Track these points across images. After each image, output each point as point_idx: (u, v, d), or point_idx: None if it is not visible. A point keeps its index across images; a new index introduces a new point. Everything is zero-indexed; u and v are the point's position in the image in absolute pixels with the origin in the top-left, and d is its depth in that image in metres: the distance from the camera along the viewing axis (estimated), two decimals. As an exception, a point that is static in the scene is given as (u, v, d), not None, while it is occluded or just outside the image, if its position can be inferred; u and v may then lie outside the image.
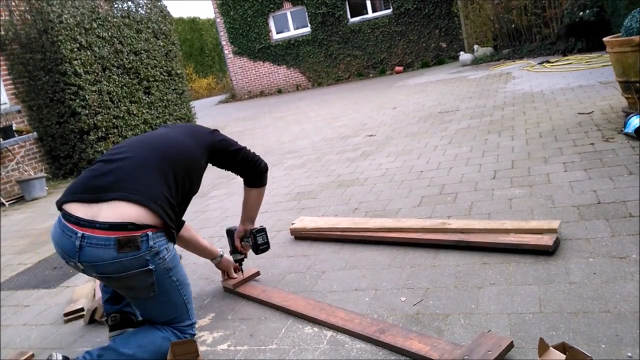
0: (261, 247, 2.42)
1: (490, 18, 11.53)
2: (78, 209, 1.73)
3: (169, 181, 1.87)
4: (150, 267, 1.74)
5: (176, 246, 1.97)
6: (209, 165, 2.24)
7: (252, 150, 2.35)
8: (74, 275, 3.33)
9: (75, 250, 1.70)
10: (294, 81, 15.88)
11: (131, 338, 1.90)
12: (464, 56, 11.52)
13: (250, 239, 2.41)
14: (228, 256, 2.51)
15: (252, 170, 2.31)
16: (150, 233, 1.72)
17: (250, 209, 2.41)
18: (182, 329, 1.96)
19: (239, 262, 2.50)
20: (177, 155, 1.97)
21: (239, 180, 2.48)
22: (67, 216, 1.74)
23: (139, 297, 1.87)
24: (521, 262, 2.15)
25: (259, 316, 2.20)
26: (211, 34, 24.39)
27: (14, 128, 7.18)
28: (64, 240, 1.73)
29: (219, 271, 2.57)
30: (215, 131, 2.34)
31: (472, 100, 6.71)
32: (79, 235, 1.68)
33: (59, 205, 1.80)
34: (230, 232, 2.52)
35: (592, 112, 4.54)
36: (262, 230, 2.42)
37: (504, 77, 8.24)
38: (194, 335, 2.02)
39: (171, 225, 1.81)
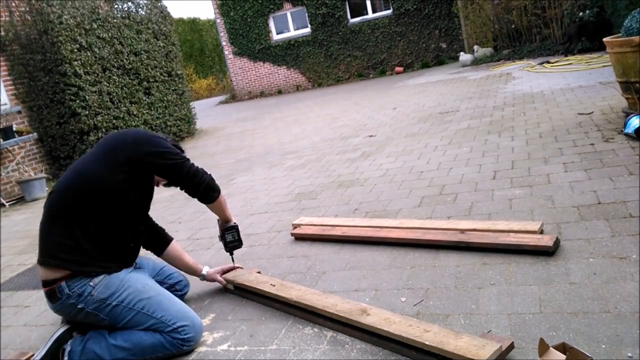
0: (229, 244, 2.44)
1: (490, 18, 11.53)
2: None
3: (64, 225, 1.97)
4: (80, 306, 1.96)
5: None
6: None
7: (194, 166, 2.25)
8: (74, 276, 3.33)
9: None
10: (294, 82, 15.88)
11: (118, 333, 2.02)
12: (464, 57, 11.52)
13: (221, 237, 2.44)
14: (212, 269, 2.53)
15: (191, 190, 2.23)
16: (62, 283, 1.95)
17: (216, 214, 2.39)
18: (167, 335, 1.98)
19: (230, 248, 2.48)
20: (70, 193, 2.01)
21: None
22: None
23: (104, 325, 2.03)
24: (521, 263, 2.15)
25: (259, 316, 2.20)
26: (211, 34, 24.40)
27: (14, 129, 7.18)
28: None
29: None
30: (151, 142, 2.10)
31: (472, 101, 6.71)
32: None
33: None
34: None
35: (592, 112, 4.54)
36: (232, 228, 2.42)
37: (504, 78, 8.24)
38: (187, 339, 1.99)
39: (82, 267, 1.96)
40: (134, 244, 2.21)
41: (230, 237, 2.43)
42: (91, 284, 1.95)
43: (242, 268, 2.56)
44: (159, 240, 2.44)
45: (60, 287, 1.95)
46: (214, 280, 2.50)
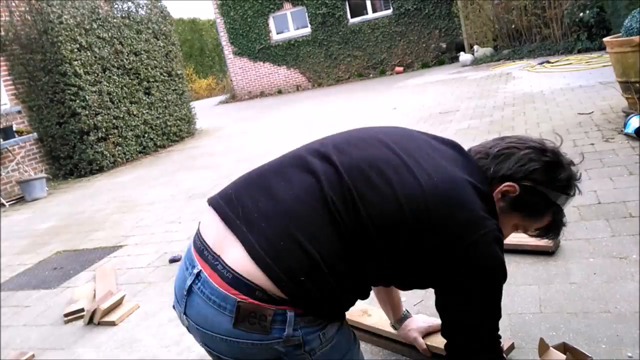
0: None
1: (490, 18, 11.53)
2: (210, 228, 1.13)
3: (339, 240, 1.06)
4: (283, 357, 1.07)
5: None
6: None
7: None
8: (74, 276, 3.33)
9: (184, 292, 1.10)
10: (294, 82, 15.88)
11: None
12: (464, 56, 11.51)
13: None
14: (413, 321, 1.70)
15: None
16: (291, 313, 1.03)
17: None
18: None
19: None
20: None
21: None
22: (196, 238, 1.15)
23: None
24: (521, 263, 2.15)
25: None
26: (211, 34, 24.38)
27: (14, 128, 7.18)
28: (179, 277, 1.14)
29: None
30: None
31: (472, 101, 6.70)
32: (195, 271, 1.08)
33: (207, 203, 1.21)
34: None
35: (592, 112, 4.54)
36: None
37: (504, 78, 8.24)
38: None
39: (322, 310, 1.08)
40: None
41: None
42: (323, 333, 1.08)
43: None
44: None
45: (283, 315, 1.03)
46: (408, 339, 1.69)
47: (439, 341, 1.60)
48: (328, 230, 1.05)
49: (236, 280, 1.01)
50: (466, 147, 1.36)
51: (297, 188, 1.10)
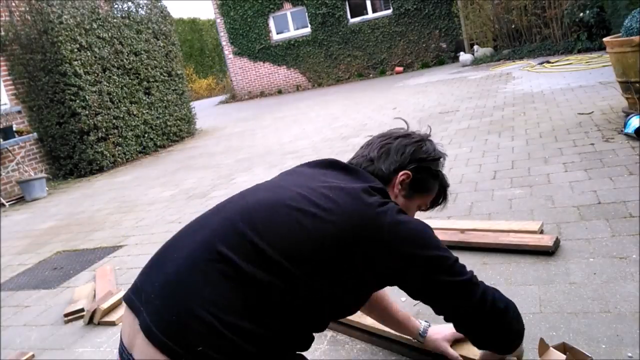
0: None
1: (490, 18, 11.53)
2: (126, 324, 1.10)
3: (232, 292, 1.01)
4: None
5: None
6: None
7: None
8: (75, 276, 3.33)
9: None
10: (294, 82, 15.88)
11: None
12: (464, 56, 11.52)
13: None
14: (436, 330, 1.63)
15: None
16: None
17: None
18: None
19: None
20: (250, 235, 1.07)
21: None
22: (120, 336, 1.13)
23: None
24: (521, 263, 2.15)
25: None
26: (211, 34, 24.38)
27: (14, 129, 7.18)
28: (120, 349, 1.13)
29: None
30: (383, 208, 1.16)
31: (472, 101, 6.71)
32: None
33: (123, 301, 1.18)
34: None
35: (592, 112, 4.54)
36: None
37: (504, 78, 8.24)
38: None
39: None
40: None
41: None
42: None
43: None
44: None
45: None
46: (438, 350, 1.59)
47: (469, 350, 1.55)
48: (223, 288, 1.00)
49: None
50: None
51: (187, 254, 1.07)
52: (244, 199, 1.19)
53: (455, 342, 1.59)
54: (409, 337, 1.65)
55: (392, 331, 1.73)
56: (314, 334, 1.17)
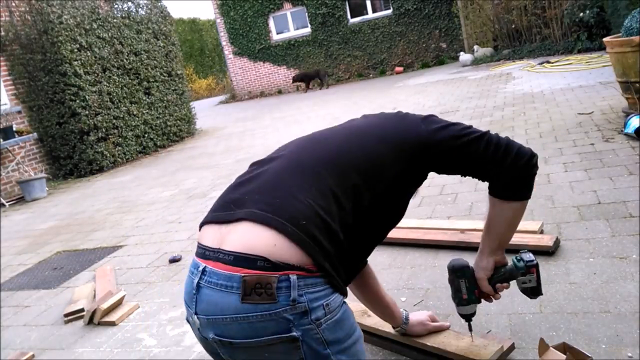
0: (539, 288, 1.51)
1: (490, 18, 11.53)
2: (208, 234, 1.16)
3: (330, 193, 1.15)
4: (294, 334, 1.04)
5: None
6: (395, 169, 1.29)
7: (503, 137, 1.43)
8: (75, 276, 3.33)
9: (193, 293, 1.09)
10: (294, 82, 15.87)
11: None
12: (464, 56, 11.51)
13: (524, 275, 1.49)
14: (414, 316, 1.72)
15: (498, 172, 1.38)
16: (293, 277, 1.03)
17: (503, 229, 1.49)
18: None
19: (471, 317, 1.56)
20: (349, 155, 1.23)
21: None
22: (197, 248, 1.18)
23: None
24: (521, 263, 2.15)
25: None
26: (211, 34, 24.38)
27: (14, 129, 7.19)
28: (187, 283, 1.15)
29: None
30: (430, 118, 1.37)
31: (472, 101, 6.71)
32: (200, 269, 1.09)
33: (200, 228, 1.23)
34: (463, 269, 1.55)
35: (592, 112, 4.54)
36: (534, 263, 1.51)
37: (504, 78, 8.24)
38: None
39: (329, 266, 1.09)
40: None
41: (534, 280, 1.51)
42: (326, 304, 1.07)
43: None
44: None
45: (287, 281, 1.03)
46: (423, 331, 1.69)
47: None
48: (321, 188, 1.15)
49: (237, 259, 1.04)
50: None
51: (275, 166, 1.23)
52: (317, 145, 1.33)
53: (433, 334, 1.68)
54: (394, 322, 1.70)
55: (392, 331, 1.73)
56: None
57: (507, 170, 1.36)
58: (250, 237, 1.06)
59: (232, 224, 1.11)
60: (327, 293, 1.08)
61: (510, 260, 1.50)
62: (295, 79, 14.44)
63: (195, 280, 1.09)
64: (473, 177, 1.39)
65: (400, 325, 1.68)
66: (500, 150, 1.36)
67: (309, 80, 14.41)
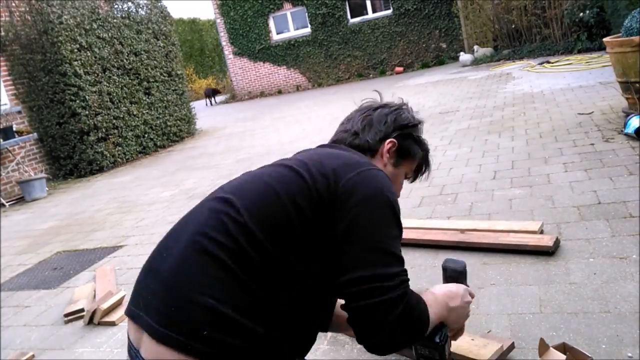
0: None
1: (490, 18, 11.53)
2: (131, 327, 1.09)
3: (236, 279, 0.99)
4: None
5: None
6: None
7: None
8: (74, 276, 3.33)
9: None
10: (294, 82, 15.88)
11: None
12: (464, 57, 11.51)
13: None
14: None
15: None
16: None
17: None
18: None
19: None
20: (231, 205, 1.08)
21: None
22: (129, 335, 1.11)
23: None
24: (521, 263, 2.15)
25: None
26: (211, 34, 24.38)
27: (14, 129, 7.19)
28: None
29: None
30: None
31: (472, 101, 6.71)
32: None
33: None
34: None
35: (592, 112, 4.54)
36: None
37: (504, 78, 8.24)
38: None
39: (243, 353, 0.98)
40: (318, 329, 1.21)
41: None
42: None
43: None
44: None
45: None
46: None
47: None
48: (219, 273, 0.99)
49: None
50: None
51: (176, 252, 1.06)
52: (220, 188, 1.20)
53: None
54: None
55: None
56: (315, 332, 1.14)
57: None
58: (155, 350, 0.98)
59: (141, 328, 1.03)
60: None
61: None
62: (205, 93, 18.62)
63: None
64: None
65: None
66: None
67: (213, 94, 18.28)
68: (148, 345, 0.99)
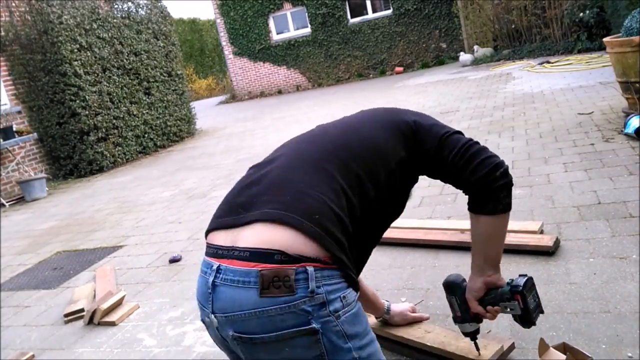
0: (534, 314, 1.37)
1: (490, 18, 11.53)
2: (219, 237, 1.15)
3: (337, 186, 1.15)
4: (314, 325, 1.02)
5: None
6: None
7: (475, 145, 1.31)
8: (75, 276, 3.33)
9: (208, 292, 1.08)
10: (294, 82, 15.88)
11: None
12: (464, 57, 11.51)
13: (509, 300, 1.37)
14: (396, 307, 1.81)
15: (469, 184, 1.29)
16: (310, 268, 1.03)
17: (483, 246, 1.42)
18: None
19: (473, 335, 1.52)
20: (347, 147, 1.25)
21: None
22: (207, 248, 1.17)
23: None
24: (521, 263, 2.15)
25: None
26: (211, 34, 24.39)
27: (14, 129, 7.19)
28: (200, 283, 1.14)
29: None
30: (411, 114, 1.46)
31: (472, 101, 6.71)
32: (214, 268, 1.08)
33: (206, 236, 1.22)
34: (453, 287, 1.51)
35: (592, 112, 4.54)
36: (531, 284, 1.38)
37: (504, 78, 8.24)
38: None
39: (344, 258, 1.09)
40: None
41: (533, 302, 1.38)
42: (343, 296, 1.08)
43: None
44: None
45: (304, 272, 1.02)
46: (404, 321, 1.79)
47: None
48: (325, 180, 1.15)
49: (253, 254, 1.04)
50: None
51: (277, 166, 1.22)
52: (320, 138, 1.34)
53: (414, 323, 1.78)
54: (377, 313, 1.80)
55: (393, 331, 1.73)
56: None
57: (466, 180, 1.29)
58: (265, 234, 1.06)
59: (241, 226, 1.10)
60: (343, 286, 1.08)
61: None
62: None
63: (210, 279, 1.07)
64: (444, 182, 1.40)
65: (382, 315, 1.79)
66: (464, 157, 1.28)
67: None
68: (255, 230, 1.08)
